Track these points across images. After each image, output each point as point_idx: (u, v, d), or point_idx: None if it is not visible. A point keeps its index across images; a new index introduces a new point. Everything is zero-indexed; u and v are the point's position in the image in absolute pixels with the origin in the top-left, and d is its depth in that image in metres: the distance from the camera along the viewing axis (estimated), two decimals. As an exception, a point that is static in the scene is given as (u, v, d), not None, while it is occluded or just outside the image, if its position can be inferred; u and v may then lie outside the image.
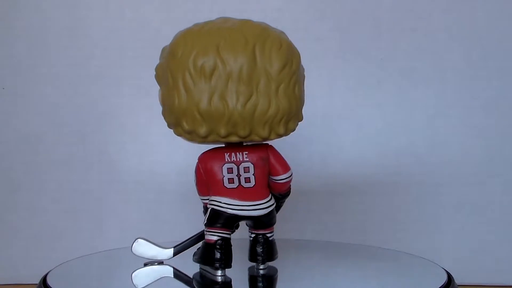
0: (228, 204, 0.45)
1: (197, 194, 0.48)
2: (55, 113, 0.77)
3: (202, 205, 0.48)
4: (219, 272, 0.45)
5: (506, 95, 0.75)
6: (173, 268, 0.50)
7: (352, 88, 0.76)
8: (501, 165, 0.75)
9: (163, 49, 0.46)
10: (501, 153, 0.75)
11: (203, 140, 0.45)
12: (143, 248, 0.50)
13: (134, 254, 0.50)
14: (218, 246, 0.45)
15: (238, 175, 0.46)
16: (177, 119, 0.44)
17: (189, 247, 0.51)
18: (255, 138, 0.46)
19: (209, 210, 0.46)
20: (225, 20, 0.46)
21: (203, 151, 0.47)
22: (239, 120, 0.44)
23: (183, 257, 0.50)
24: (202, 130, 0.44)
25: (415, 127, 0.76)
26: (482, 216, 0.75)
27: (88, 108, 0.77)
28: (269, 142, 0.48)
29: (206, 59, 0.44)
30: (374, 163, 0.76)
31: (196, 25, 0.46)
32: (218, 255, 0.45)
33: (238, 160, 0.46)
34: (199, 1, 0.74)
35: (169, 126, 0.46)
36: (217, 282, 0.45)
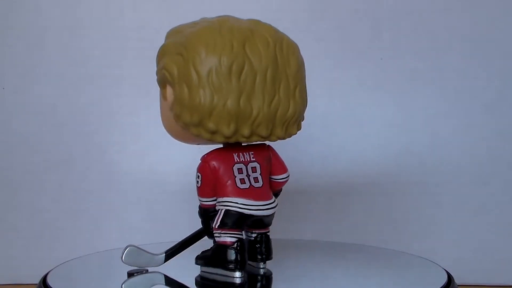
0: (244, 205, 0.45)
1: (197, 196, 0.47)
2: (55, 113, 0.77)
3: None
4: (237, 274, 0.45)
5: (506, 95, 0.75)
6: (164, 275, 0.49)
7: (352, 88, 0.76)
8: (501, 165, 0.75)
9: (171, 47, 0.45)
10: (501, 153, 0.75)
11: (225, 140, 0.44)
12: (135, 257, 0.48)
13: (125, 264, 0.47)
14: (236, 248, 0.45)
15: (247, 175, 0.46)
16: (202, 119, 0.43)
17: (181, 251, 0.49)
18: (273, 139, 0.46)
19: (221, 211, 0.45)
20: (236, 19, 0.46)
21: (206, 152, 0.46)
22: (263, 121, 0.44)
23: (170, 262, 0.49)
24: (229, 130, 0.44)
25: (415, 127, 0.76)
26: (482, 216, 0.75)
27: (88, 108, 0.77)
28: (267, 142, 0.48)
29: (235, 58, 0.43)
30: (374, 163, 0.76)
31: (211, 22, 0.45)
32: (236, 256, 0.45)
33: (246, 160, 0.46)
34: (199, 1, 0.74)
35: (186, 126, 0.44)
36: (234, 284, 0.45)
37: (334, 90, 0.76)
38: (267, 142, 0.48)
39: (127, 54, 0.76)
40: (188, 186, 0.73)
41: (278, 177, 0.49)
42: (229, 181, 0.45)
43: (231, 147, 0.47)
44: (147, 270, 0.49)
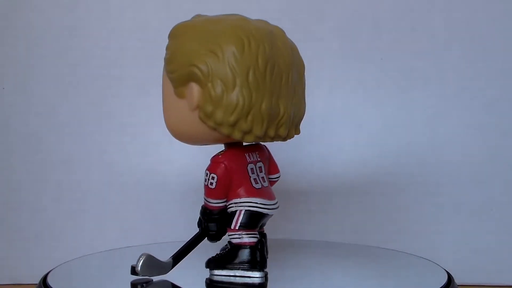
0: (263, 204, 0.45)
1: (206, 198, 0.46)
2: (55, 113, 0.77)
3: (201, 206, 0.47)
4: (259, 274, 0.45)
5: (506, 95, 0.75)
6: (171, 283, 0.46)
7: (352, 88, 0.76)
8: (501, 165, 0.75)
9: (195, 44, 0.43)
10: (501, 153, 0.75)
11: (255, 140, 0.44)
12: (149, 266, 0.44)
13: (141, 275, 0.44)
14: (259, 248, 0.45)
15: (257, 175, 0.46)
16: (238, 118, 0.42)
17: (187, 254, 0.47)
18: (287, 139, 0.46)
19: (241, 212, 0.45)
20: (248, 18, 0.46)
21: (217, 153, 0.45)
22: (286, 122, 0.45)
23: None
24: (261, 131, 0.43)
25: (415, 127, 0.76)
26: (482, 216, 0.75)
27: (88, 108, 0.77)
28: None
29: (269, 58, 0.43)
30: (374, 163, 0.76)
31: (235, 20, 0.44)
32: (259, 256, 0.45)
33: (254, 160, 0.46)
34: (199, 1, 0.74)
35: (218, 125, 0.43)
36: (254, 285, 0.44)
37: (334, 90, 0.76)
38: (262, 143, 0.48)
39: (127, 54, 0.76)
40: (188, 186, 0.73)
41: (273, 176, 0.49)
42: (246, 182, 0.45)
43: (240, 147, 0.46)
44: (152, 280, 0.45)
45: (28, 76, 0.77)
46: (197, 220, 0.48)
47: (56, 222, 0.77)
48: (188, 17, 0.47)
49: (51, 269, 0.52)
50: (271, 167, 0.49)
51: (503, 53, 0.75)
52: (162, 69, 0.47)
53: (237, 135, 0.43)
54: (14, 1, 0.77)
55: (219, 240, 0.47)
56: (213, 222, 0.46)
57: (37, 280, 0.49)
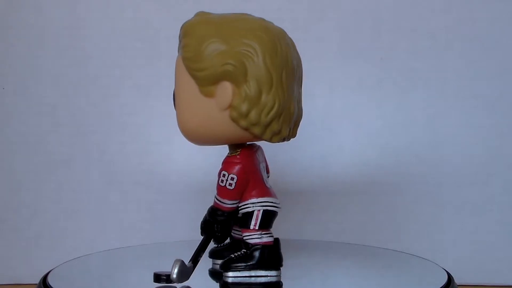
0: (277, 203, 0.45)
1: (219, 199, 0.45)
2: (55, 113, 0.77)
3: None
4: (275, 272, 0.45)
5: (506, 95, 0.75)
6: None
7: (352, 88, 0.76)
8: (501, 165, 0.75)
9: (228, 43, 0.42)
10: (501, 153, 0.75)
11: (279, 140, 0.44)
12: (182, 273, 0.42)
13: (175, 282, 0.41)
14: (277, 246, 0.45)
15: (265, 175, 0.46)
16: (273, 119, 0.42)
17: (200, 258, 0.46)
18: (293, 138, 0.46)
19: (259, 212, 0.44)
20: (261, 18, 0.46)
21: (231, 153, 0.45)
22: (298, 121, 0.45)
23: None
24: (287, 131, 0.44)
25: (415, 127, 0.76)
26: (482, 216, 0.75)
27: (88, 108, 0.77)
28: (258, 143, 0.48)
29: (296, 59, 0.43)
30: (374, 163, 0.76)
31: (260, 19, 0.44)
32: (279, 255, 0.45)
33: (262, 160, 0.47)
34: (199, 1, 0.74)
35: (252, 125, 0.42)
36: (271, 283, 0.44)
37: (334, 90, 0.76)
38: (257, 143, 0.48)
39: (127, 54, 0.76)
40: (188, 186, 0.73)
41: (268, 175, 0.50)
42: (260, 182, 0.45)
43: (250, 147, 0.46)
44: (176, 287, 0.43)
45: (28, 76, 0.77)
46: (202, 221, 0.47)
47: (56, 222, 0.77)
48: (188, 17, 0.47)
49: (51, 269, 0.52)
50: (266, 167, 0.50)
51: (503, 53, 0.75)
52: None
53: (267, 136, 0.43)
54: (14, 1, 0.77)
55: (224, 241, 0.47)
56: (222, 224, 0.45)
57: (37, 280, 0.49)
